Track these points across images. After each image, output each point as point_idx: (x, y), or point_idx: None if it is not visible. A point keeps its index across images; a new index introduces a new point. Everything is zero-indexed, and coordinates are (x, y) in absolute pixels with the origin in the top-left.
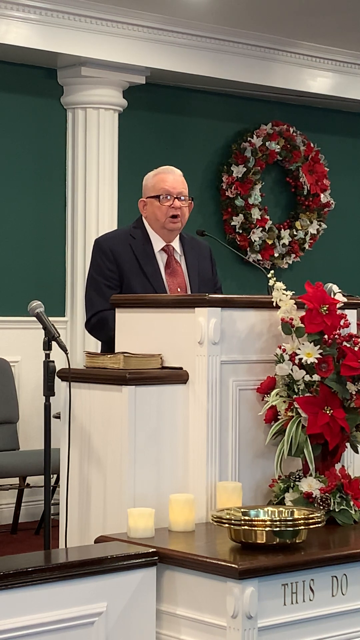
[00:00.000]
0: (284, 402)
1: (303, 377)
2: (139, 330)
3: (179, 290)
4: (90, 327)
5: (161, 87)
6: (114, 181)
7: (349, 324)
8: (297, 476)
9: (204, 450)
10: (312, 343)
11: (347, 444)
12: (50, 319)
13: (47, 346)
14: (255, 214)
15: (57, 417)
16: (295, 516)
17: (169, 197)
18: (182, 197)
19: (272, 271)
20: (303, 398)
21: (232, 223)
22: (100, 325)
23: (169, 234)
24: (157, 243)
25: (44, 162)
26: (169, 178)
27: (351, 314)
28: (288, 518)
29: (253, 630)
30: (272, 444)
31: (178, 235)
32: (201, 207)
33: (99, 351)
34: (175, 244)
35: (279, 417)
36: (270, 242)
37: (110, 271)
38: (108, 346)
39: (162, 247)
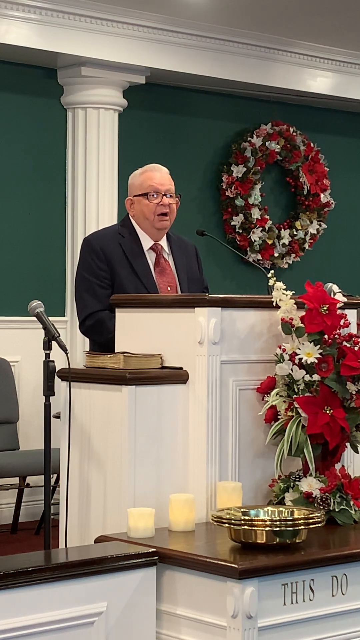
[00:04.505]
0: (284, 402)
1: (303, 377)
2: (139, 330)
3: (169, 289)
4: (86, 329)
5: (161, 87)
6: (113, 181)
7: (349, 324)
8: (297, 476)
9: (204, 450)
10: (312, 343)
11: (347, 444)
12: (50, 319)
13: (47, 346)
14: (255, 213)
15: (57, 417)
16: (295, 516)
17: (156, 195)
18: (170, 194)
19: (272, 271)
20: (303, 398)
21: (232, 223)
22: (98, 328)
23: (158, 232)
24: (146, 242)
25: (44, 162)
26: (156, 175)
27: (351, 314)
28: (288, 518)
29: (253, 630)
30: (272, 444)
31: (165, 234)
32: (201, 207)
33: (87, 349)
34: (163, 242)
35: (279, 417)
36: (270, 242)
37: (102, 270)
38: (100, 346)
39: (151, 245)
